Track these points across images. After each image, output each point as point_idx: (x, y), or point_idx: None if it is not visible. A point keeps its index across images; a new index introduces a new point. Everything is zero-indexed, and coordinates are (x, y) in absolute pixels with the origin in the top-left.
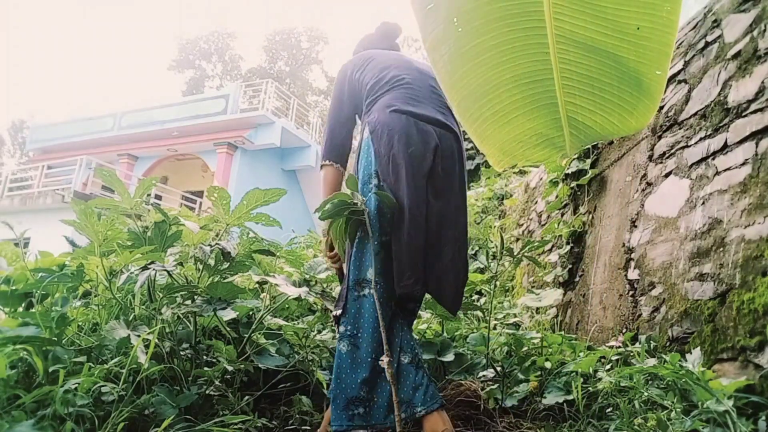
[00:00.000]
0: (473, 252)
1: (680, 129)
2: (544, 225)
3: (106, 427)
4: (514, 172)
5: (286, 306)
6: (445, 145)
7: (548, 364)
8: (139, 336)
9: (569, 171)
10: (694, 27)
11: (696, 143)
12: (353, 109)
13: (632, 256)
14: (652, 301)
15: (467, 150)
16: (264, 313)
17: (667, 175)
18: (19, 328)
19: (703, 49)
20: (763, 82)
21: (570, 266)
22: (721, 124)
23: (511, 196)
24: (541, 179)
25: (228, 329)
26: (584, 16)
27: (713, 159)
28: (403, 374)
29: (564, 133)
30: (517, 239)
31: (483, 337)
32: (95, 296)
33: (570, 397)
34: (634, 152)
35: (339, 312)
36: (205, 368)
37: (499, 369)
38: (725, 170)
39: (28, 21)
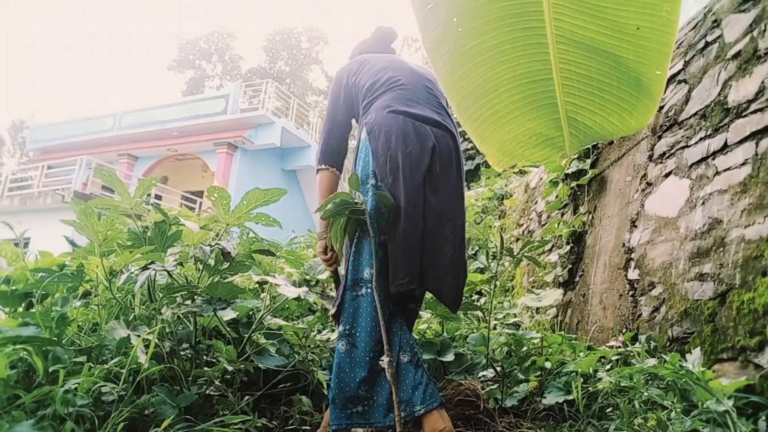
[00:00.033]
0: (473, 252)
1: (680, 129)
2: (544, 225)
3: (106, 427)
4: (514, 172)
5: (286, 306)
6: (443, 145)
7: (548, 364)
8: (139, 336)
9: (569, 171)
10: (694, 27)
11: (696, 143)
12: (349, 114)
13: (632, 256)
14: (652, 301)
15: (467, 150)
16: (264, 313)
17: (667, 175)
18: (19, 328)
19: (703, 49)
20: (763, 82)
21: (570, 266)
22: (721, 124)
23: (511, 196)
24: (541, 179)
25: (228, 329)
26: (584, 16)
27: (713, 159)
28: (402, 373)
29: (564, 133)
30: (517, 239)
31: (483, 337)
32: (95, 296)
33: (570, 397)
34: (634, 152)
35: (334, 311)
36: (205, 368)
37: (499, 369)
38: (725, 170)
39: (28, 21)
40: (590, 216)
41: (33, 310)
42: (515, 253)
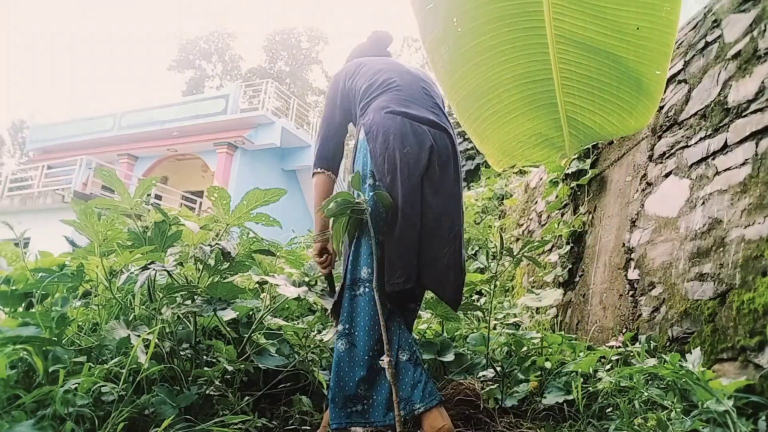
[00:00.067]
0: (473, 252)
1: (680, 129)
2: (544, 225)
3: (106, 427)
4: (514, 172)
5: (286, 306)
6: (441, 145)
7: (548, 364)
8: (139, 336)
9: (569, 171)
10: (694, 27)
11: (696, 143)
12: (346, 117)
13: (632, 256)
14: (652, 301)
15: (467, 150)
16: (264, 313)
17: (667, 175)
18: (19, 328)
19: (703, 49)
20: (763, 82)
21: (570, 266)
22: (721, 124)
23: (511, 196)
24: (541, 179)
25: (228, 329)
26: (584, 16)
27: (713, 159)
28: (401, 372)
29: (563, 133)
30: (517, 239)
31: (483, 337)
32: (95, 296)
33: (570, 397)
34: (634, 152)
35: (330, 308)
36: (205, 368)
37: (499, 369)
38: (725, 170)
39: (28, 21)
40: (590, 216)
41: (33, 310)
42: (515, 253)
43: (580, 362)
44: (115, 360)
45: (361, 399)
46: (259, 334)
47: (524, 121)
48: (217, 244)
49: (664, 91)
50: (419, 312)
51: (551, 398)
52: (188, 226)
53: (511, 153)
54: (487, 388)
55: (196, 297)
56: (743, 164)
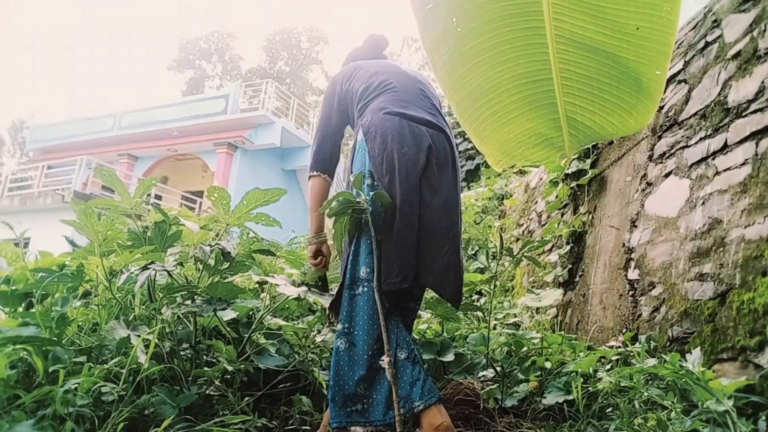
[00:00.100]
0: (473, 252)
1: (680, 129)
2: (544, 225)
3: (106, 427)
4: (514, 172)
5: (286, 306)
6: (439, 145)
7: (548, 364)
8: (139, 336)
9: (569, 171)
10: (694, 27)
11: (696, 143)
12: (343, 120)
13: (632, 256)
14: (652, 301)
15: (467, 150)
16: (264, 313)
17: (667, 175)
18: (19, 328)
19: (703, 49)
20: (763, 82)
21: (570, 266)
22: (721, 124)
23: (511, 196)
24: (541, 179)
25: (228, 329)
26: (584, 16)
27: (713, 159)
28: (400, 370)
29: (563, 133)
30: (517, 239)
31: (483, 337)
32: (95, 296)
33: (570, 397)
34: (634, 152)
35: (328, 307)
36: (205, 368)
37: (499, 369)
38: (725, 170)
39: (28, 21)
40: (590, 216)
41: (33, 310)
42: (515, 253)
43: (580, 362)
44: (115, 360)
45: (360, 398)
46: (259, 334)
47: (524, 121)
48: (217, 244)
49: (664, 91)
50: (419, 312)
51: (551, 398)
52: (188, 226)
53: (510, 153)
54: (487, 388)
55: (196, 297)
56: (743, 164)
